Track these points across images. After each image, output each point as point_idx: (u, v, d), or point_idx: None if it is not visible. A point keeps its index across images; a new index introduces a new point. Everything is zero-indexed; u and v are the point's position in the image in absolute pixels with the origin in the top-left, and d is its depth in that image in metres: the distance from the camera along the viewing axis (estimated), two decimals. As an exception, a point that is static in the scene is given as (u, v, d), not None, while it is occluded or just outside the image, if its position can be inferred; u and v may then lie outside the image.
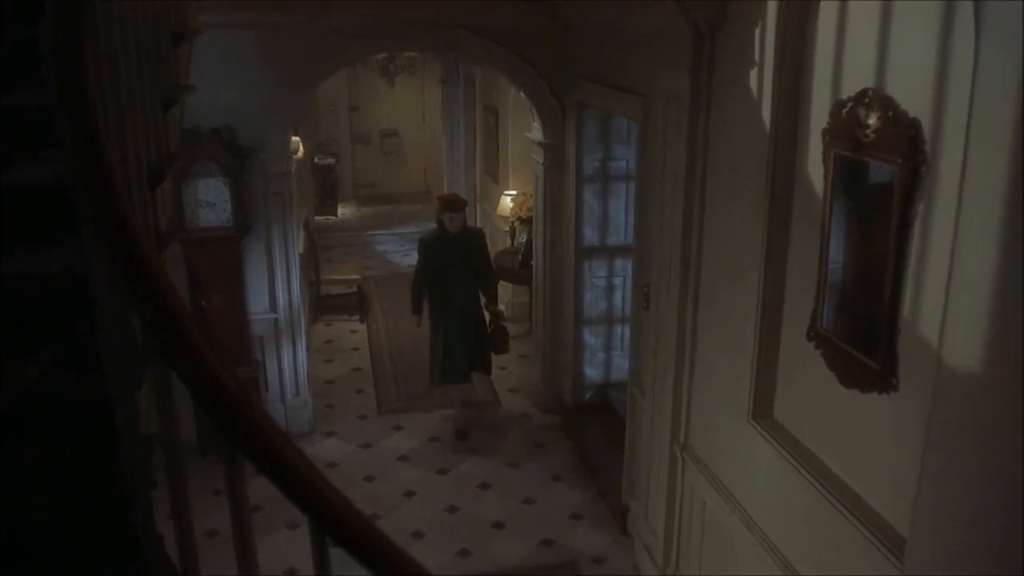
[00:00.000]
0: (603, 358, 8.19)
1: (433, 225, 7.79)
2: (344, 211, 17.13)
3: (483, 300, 7.81)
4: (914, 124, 3.03)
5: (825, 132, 3.60)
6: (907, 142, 3.04)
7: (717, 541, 4.82)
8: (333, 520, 1.51)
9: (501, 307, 7.91)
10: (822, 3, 3.69)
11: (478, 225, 10.81)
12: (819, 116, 3.69)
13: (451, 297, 7.52)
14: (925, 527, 3.02)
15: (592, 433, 7.74)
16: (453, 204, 7.51)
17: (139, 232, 1.45)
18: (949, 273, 2.79)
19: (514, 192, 10.18)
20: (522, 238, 9.66)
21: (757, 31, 4.10)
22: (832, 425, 3.75)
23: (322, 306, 10.98)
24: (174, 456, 1.59)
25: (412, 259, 14.26)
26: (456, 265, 7.45)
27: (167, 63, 2.89)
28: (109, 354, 1.52)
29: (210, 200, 6.88)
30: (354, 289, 11.13)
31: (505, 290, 10.44)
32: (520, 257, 9.57)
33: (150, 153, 2.21)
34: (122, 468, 1.49)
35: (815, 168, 3.74)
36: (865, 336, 3.42)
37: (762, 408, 4.27)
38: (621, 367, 7.83)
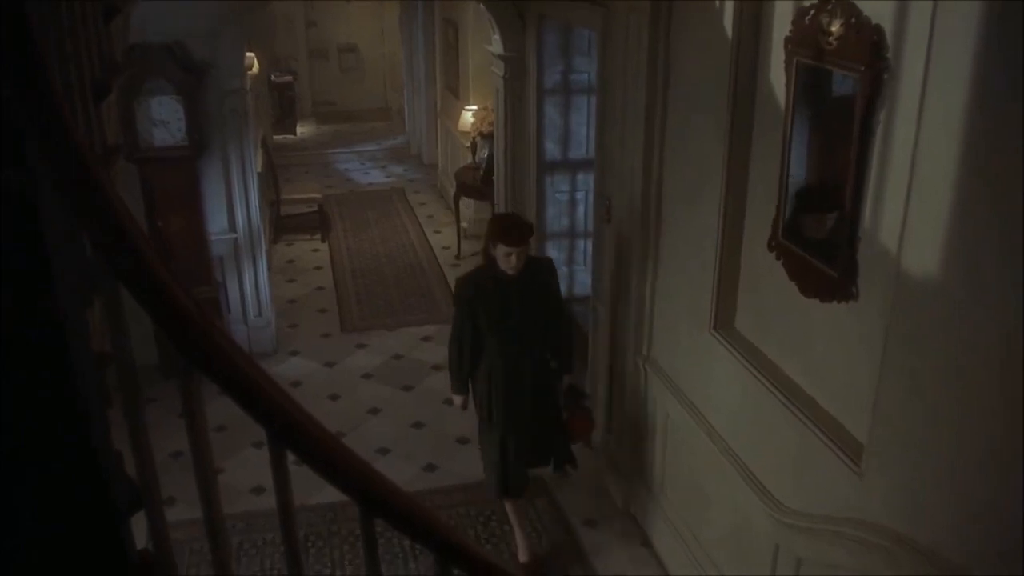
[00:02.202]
0: (566, 273, 8.18)
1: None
2: (303, 129, 16.93)
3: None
4: (877, 31, 2.99)
5: (787, 40, 3.56)
6: (869, 49, 3.01)
7: (680, 451, 4.89)
8: (289, 426, 1.49)
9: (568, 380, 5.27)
10: (785, -94, 3.62)
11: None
12: (782, 24, 3.64)
13: (512, 373, 4.96)
14: (882, 433, 3.07)
15: (556, 348, 7.76)
16: (514, 233, 4.72)
17: (82, 144, 1.40)
18: (909, 182, 2.79)
19: (475, 107, 10.07)
20: (483, 153, 9.58)
21: (719, -64, 4.03)
22: (793, 335, 3.78)
23: (283, 226, 10.88)
24: (128, 372, 1.57)
25: (373, 177, 14.39)
26: (518, 322, 4.90)
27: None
28: (56, 271, 1.48)
29: (163, 118, 6.72)
30: (315, 208, 11.02)
31: (467, 207, 10.39)
32: (482, 173, 9.50)
33: (93, 65, 2.14)
34: (75, 384, 1.47)
35: (777, 77, 3.70)
36: (826, 246, 3.43)
37: (723, 319, 4.30)
38: (584, 282, 7.84)
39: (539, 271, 4.97)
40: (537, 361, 5.04)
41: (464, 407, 5.21)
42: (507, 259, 4.69)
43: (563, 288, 8.11)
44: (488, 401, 4.99)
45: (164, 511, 1.86)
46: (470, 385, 5.11)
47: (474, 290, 4.88)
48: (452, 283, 9.35)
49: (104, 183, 1.48)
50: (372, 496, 1.89)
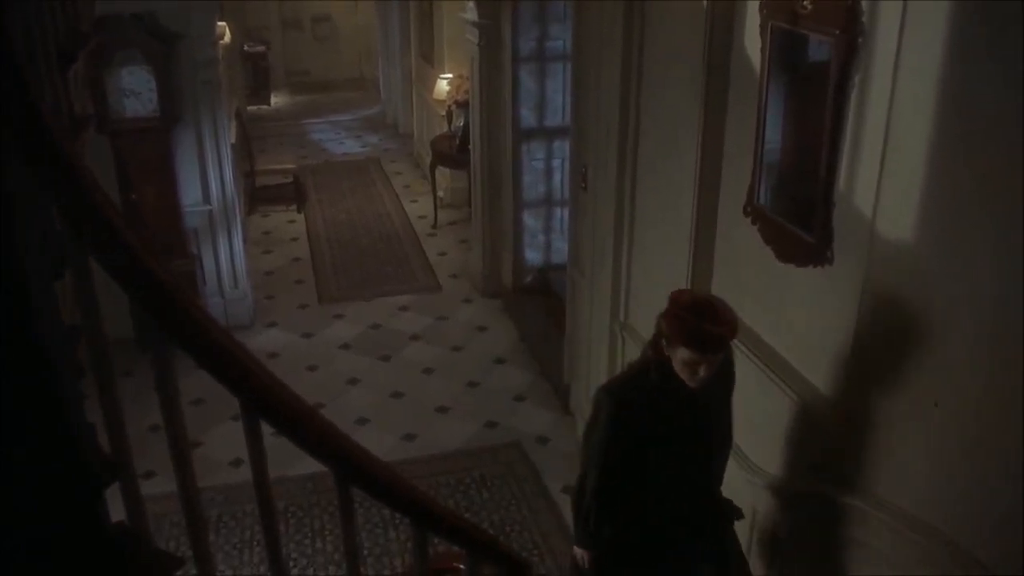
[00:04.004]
0: (543, 241, 8.20)
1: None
2: (277, 100, 16.77)
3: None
4: (851, -6, 2.99)
5: (762, 4, 3.54)
6: (845, 13, 3.00)
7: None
8: (262, 395, 1.49)
9: None
10: None
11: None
12: (756, -12, 3.63)
13: (683, 521, 3.44)
14: (856, 396, 3.09)
15: (533, 315, 7.79)
16: (709, 338, 3.02)
17: (47, 113, 1.38)
18: (884, 146, 2.80)
19: (450, 75, 10.01)
20: (459, 122, 9.53)
21: (693, -101, 4.00)
22: (768, 299, 3.79)
23: (258, 197, 10.81)
24: (98, 343, 1.55)
25: (348, 147, 14.31)
26: (694, 450, 3.36)
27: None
28: (24, 241, 1.46)
29: (135, 89, 6.64)
30: (290, 179, 10.95)
31: (444, 176, 10.35)
32: (458, 141, 9.46)
33: (58, 33, 2.10)
34: (46, 356, 1.45)
35: (752, 42, 3.69)
36: (801, 210, 3.44)
37: (700, 284, 4.30)
38: (561, 250, 7.85)
39: (724, 378, 3.33)
40: (717, 511, 3.52)
41: (591, 565, 3.57)
42: (690, 369, 3.07)
43: (540, 256, 8.23)
44: (633, 559, 3.46)
45: (139, 483, 1.85)
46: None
47: (635, 401, 3.24)
48: (429, 252, 9.39)
49: (67, 150, 1.46)
50: (347, 463, 1.89)
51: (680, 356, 3.06)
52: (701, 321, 3.01)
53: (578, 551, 3.59)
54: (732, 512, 3.54)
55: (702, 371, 3.05)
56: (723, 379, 3.31)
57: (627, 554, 3.47)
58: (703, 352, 3.01)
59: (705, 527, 3.47)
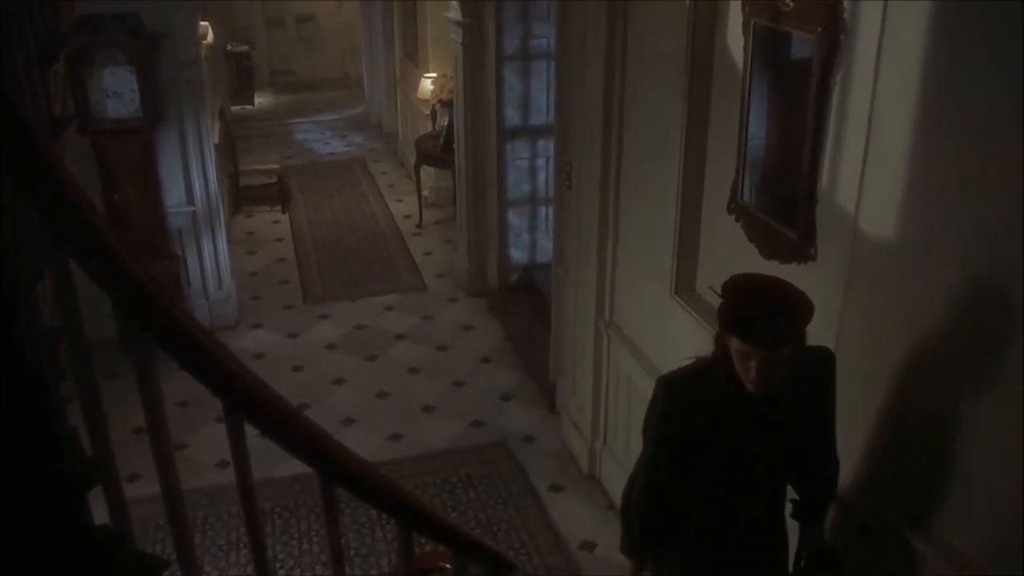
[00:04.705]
0: (528, 240, 8.21)
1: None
2: (261, 100, 16.72)
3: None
4: (833, -8, 3.00)
5: (745, 3, 3.56)
6: (827, 11, 3.01)
7: (643, 414, 4.91)
8: (243, 394, 1.48)
9: None
10: None
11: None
12: (738, -14, 3.64)
13: (735, 532, 2.99)
14: (841, 388, 3.10)
15: (518, 314, 7.79)
16: (759, 328, 2.57)
17: (24, 113, 1.37)
18: (866, 143, 2.81)
19: (434, 75, 10.00)
20: (443, 121, 9.52)
21: (676, -103, 4.00)
22: (753, 297, 3.80)
23: (242, 197, 10.76)
24: (78, 344, 1.55)
25: (333, 147, 14.29)
26: (747, 465, 2.87)
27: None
28: (11, 242, 1.46)
29: (116, 90, 6.60)
30: (274, 179, 10.91)
31: (428, 175, 10.34)
32: (442, 141, 9.45)
33: (39, 33, 2.09)
34: (28, 358, 1.45)
35: (735, 39, 3.70)
36: (785, 208, 3.45)
37: (684, 282, 4.31)
38: (546, 249, 7.85)
39: (805, 374, 2.75)
40: (776, 529, 3.07)
41: (640, 573, 3.19)
42: (744, 365, 2.62)
43: (525, 255, 8.22)
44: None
45: (124, 486, 1.84)
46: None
47: (687, 401, 2.87)
48: (414, 252, 9.38)
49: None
50: (332, 464, 1.89)
51: (733, 347, 2.61)
52: (746, 304, 2.61)
53: (631, 564, 3.18)
54: (826, 560, 2.98)
55: (753, 371, 2.58)
56: (809, 387, 2.80)
57: (678, 560, 3.11)
58: (749, 344, 2.55)
59: (764, 546, 3.06)
